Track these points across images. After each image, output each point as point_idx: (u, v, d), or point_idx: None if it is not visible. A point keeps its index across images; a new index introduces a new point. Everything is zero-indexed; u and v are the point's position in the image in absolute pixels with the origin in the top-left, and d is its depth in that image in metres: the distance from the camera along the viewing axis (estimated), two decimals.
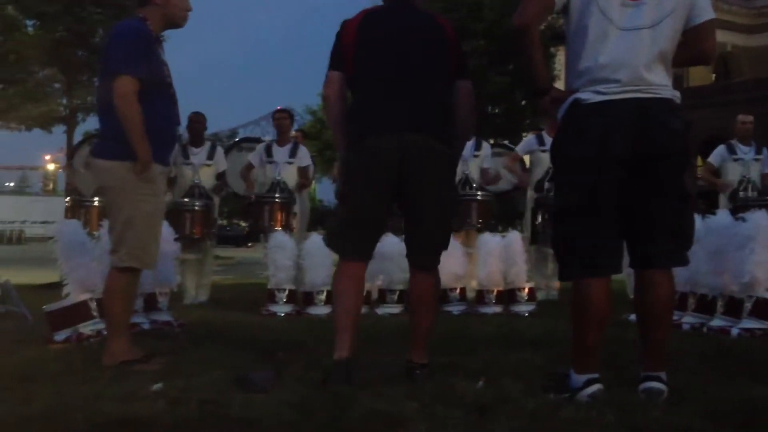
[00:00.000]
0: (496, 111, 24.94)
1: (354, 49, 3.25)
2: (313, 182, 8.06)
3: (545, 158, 6.92)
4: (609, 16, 2.79)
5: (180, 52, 20.67)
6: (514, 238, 6.28)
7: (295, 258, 6.12)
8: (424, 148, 3.13)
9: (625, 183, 2.78)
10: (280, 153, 7.38)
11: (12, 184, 68.39)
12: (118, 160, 3.52)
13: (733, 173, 7.52)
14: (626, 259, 2.96)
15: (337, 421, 2.42)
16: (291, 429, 2.33)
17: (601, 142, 2.76)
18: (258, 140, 8.99)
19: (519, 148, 7.67)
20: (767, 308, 4.73)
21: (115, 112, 3.47)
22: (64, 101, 21.39)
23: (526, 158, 7.58)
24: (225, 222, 28.91)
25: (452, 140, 3.26)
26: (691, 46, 2.90)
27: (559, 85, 3.27)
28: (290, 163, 7.34)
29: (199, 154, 7.27)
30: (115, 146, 3.52)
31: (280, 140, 7.49)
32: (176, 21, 3.71)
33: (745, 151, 7.57)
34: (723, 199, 7.51)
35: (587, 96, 2.80)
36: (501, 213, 10.45)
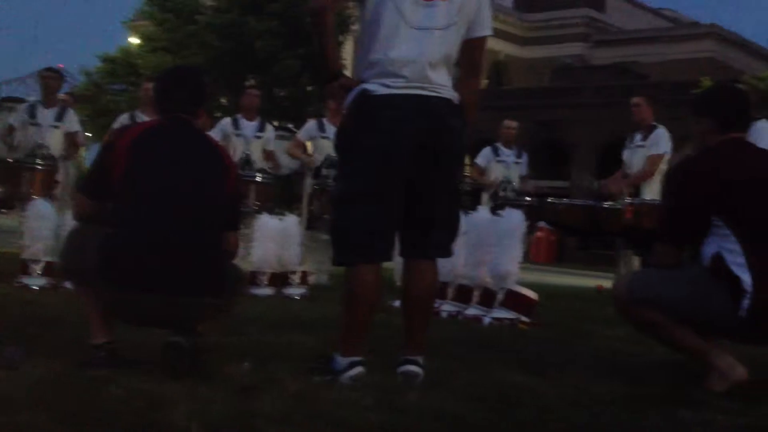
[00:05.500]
0: (283, 94, 24.92)
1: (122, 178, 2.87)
2: (83, 149, 7.63)
3: (325, 144, 7.02)
4: (402, 13, 2.86)
5: None
6: (291, 221, 6.34)
7: (55, 229, 5.73)
8: None
9: (407, 175, 2.89)
10: (46, 115, 6.88)
11: None
12: None
13: (495, 174, 8.14)
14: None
15: (95, 400, 2.30)
16: (45, 408, 2.18)
17: (389, 133, 2.84)
18: (22, 100, 8.33)
19: (300, 134, 7.72)
20: (516, 299, 5.16)
21: None
22: None
23: (308, 144, 7.65)
24: None
25: None
26: (465, 55, 3.06)
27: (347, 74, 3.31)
28: (56, 127, 6.87)
29: None
30: None
31: (47, 102, 6.99)
32: None
33: (507, 154, 8.22)
34: (485, 197, 8.09)
35: (374, 87, 2.87)
36: (280, 196, 10.47)
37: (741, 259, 2.95)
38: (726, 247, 3.00)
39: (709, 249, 3.06)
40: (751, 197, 3.04)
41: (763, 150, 3.41)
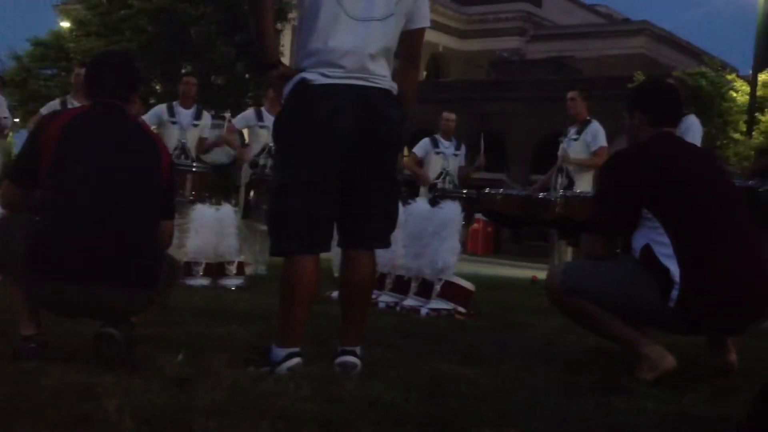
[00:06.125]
0: (219, 82, 24.59)
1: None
2: (10, 134, 7.39)
3: (263, 134, 6.96)
4: (341, 3, 2.84)
5: None
6: (228, 211, 6.27)
7: None
8: None
9: (346, 165, 2.88)
10: None
11: None
12: None
13: (434, 165, 8.16)
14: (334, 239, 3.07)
15: (26, 393, 2.23)
16: None
17: (328, 123, 2.82)
18: None
19: (236, 122, 7.62)
20: (453, 290, 5.21)
21: None
22: None
23: (245, 132, 7.57)
24: None
25: None
26: (404, 47, 3.07)
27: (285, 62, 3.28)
28: None
29: None
30: None
31: None
32: None
33: (446, 146, 8.25)
34: (424, 189, 8.12)
35: (313, 77, 2.85)
36: (216, 186, 10.34)
37: (669, 251, 3.03)
38: (655, 239, 3.08)
39: (639, 241, 3.14)
40: (680, 190, 3.12)
41: (692, 145, 3.51)
